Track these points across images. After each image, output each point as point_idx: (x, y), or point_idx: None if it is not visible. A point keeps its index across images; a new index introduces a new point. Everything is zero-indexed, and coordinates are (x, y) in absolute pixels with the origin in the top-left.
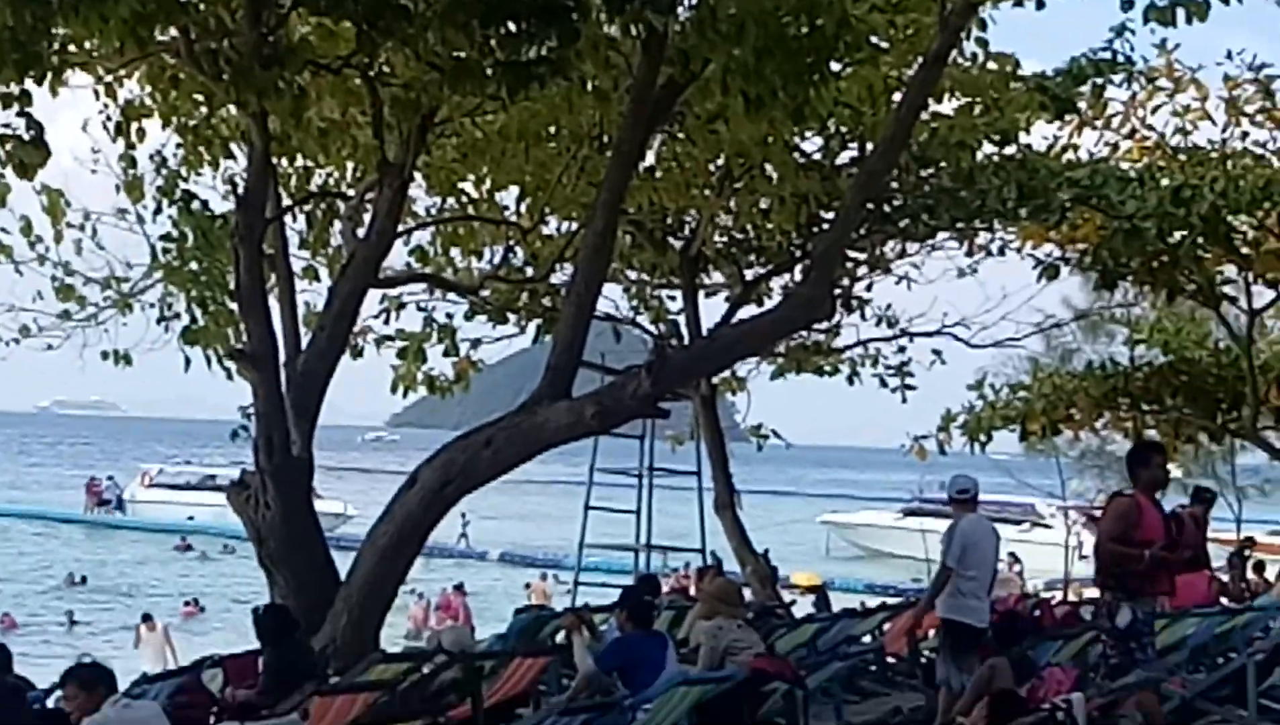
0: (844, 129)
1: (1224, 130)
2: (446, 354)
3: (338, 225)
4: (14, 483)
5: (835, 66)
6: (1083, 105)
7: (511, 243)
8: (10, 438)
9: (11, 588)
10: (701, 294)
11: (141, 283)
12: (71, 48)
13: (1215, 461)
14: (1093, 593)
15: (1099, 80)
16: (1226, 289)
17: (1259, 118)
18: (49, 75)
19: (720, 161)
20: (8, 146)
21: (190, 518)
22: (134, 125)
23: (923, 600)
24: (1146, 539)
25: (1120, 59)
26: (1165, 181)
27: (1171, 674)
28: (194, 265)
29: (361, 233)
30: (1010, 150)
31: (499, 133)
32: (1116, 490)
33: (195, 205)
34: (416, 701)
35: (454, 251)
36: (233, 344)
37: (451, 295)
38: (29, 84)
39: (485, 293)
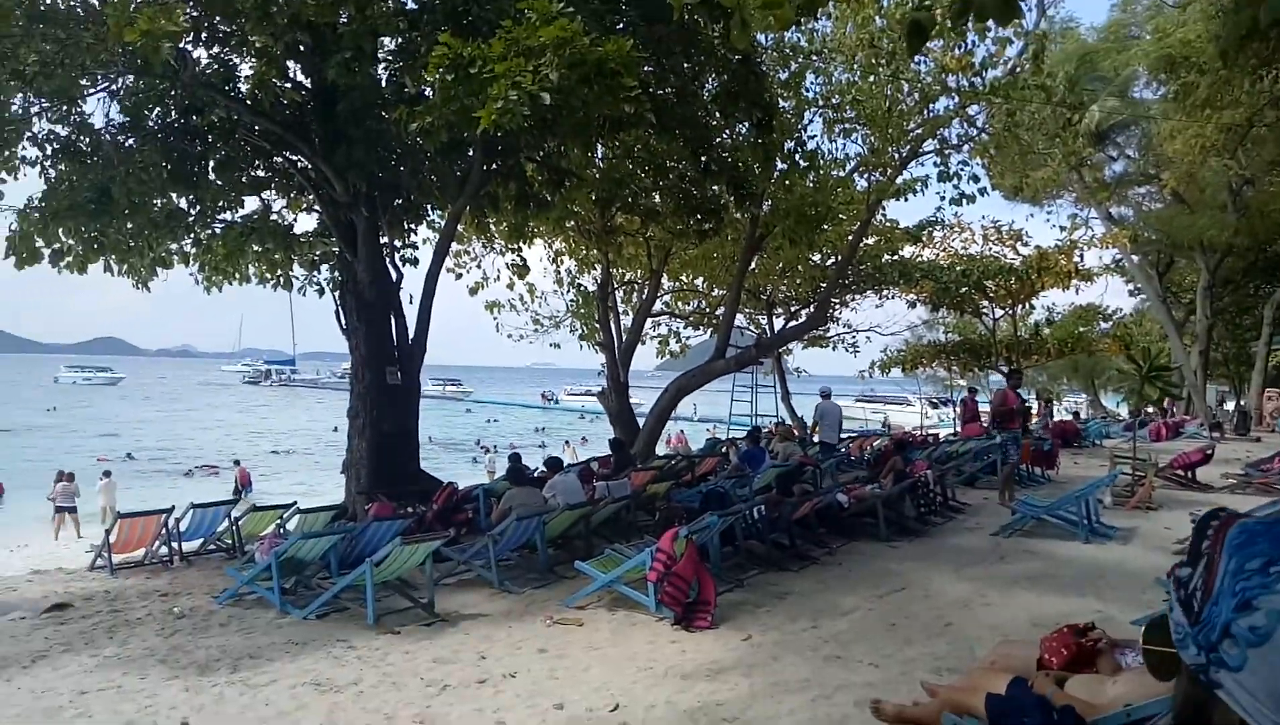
0: (827, 249)
1: (981, 247)
2: (675, 342)
3: (634, 296)
4: (510, 394)
5: (825, 226)
6: (924, 239)
7: (701, 300)
8: (511, 378)
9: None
10: (773, 317)
11: (560, 318)
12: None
13: (983, 378)
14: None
15: (930, 229)
16: (984, 307)
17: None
18: (528, 242)
19: (780, 266)
20: (516, 267)
21: (583, 406)
22: (559, 258)
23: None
24: (1010, 405)
25: (938, 220)
26: (959, 267)
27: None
28: (582, 311)
29: (644, 297)
30: (894, 257)
31: (696, 256)
32: (971, 391)
33: (581, 287)
34: (670, 473)
35: (679, 303)
36: (597, 339)
37: (678, 320)
38: (524, 247)
39: (690, 317)
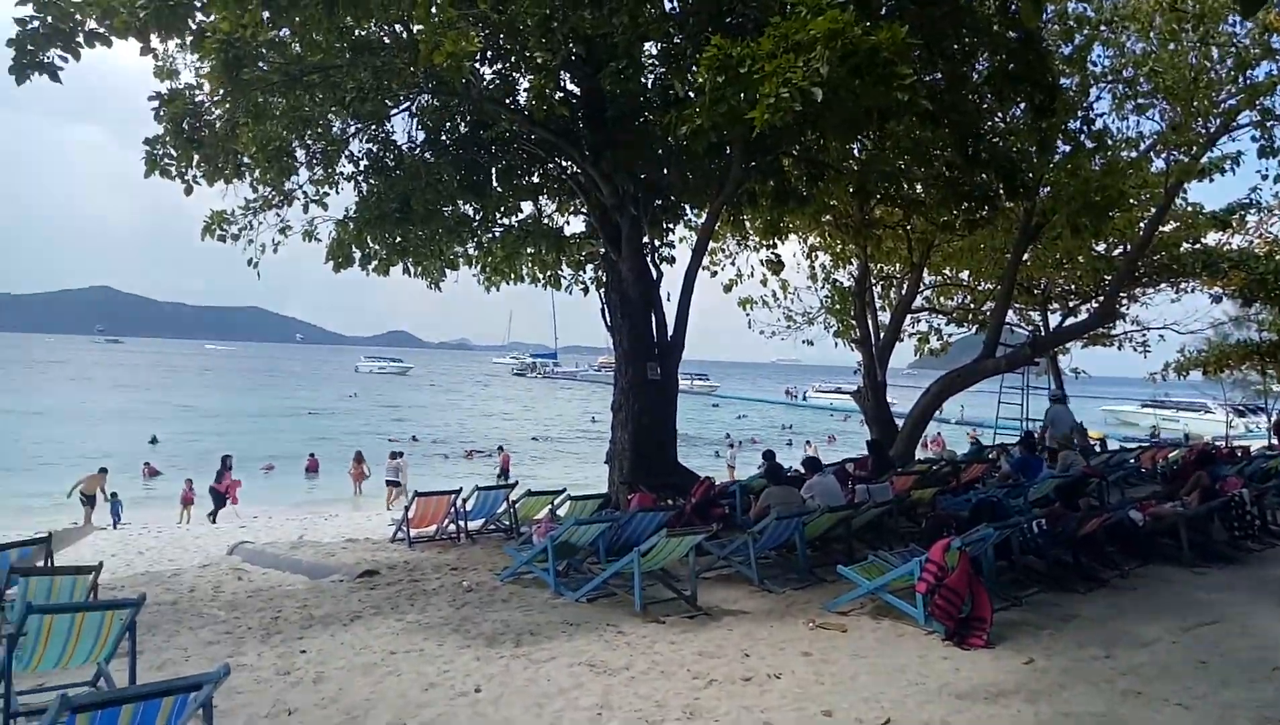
0: (1113, 239)
1: None
2: (935, 339)
3: (892, 291)
4: (755, 390)
5: (1113, 213)
6: (1234, 224)
7: (965, 294)
8: (755, 373)
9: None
10: (1048, 313)
11: (813, 314)
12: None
13: None
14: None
15: (1242, 212)
16: None
17: None
18: (783, 238)
19: (1057, 256)
20: (771, 264)
21: (831, 403)
22: (813, 252)
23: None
24: None
25: (1253, 202)
26: (1278, 256)
27: None
28: (837, 307)
29: (903, 292)
30: (1196, 245)
31: (962, 248)
32: None
33: (837, 282)
34: (933, 478)
35: (941, 297)
36: (853, 336)
37: (939, 316)
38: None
39: (953, 313)
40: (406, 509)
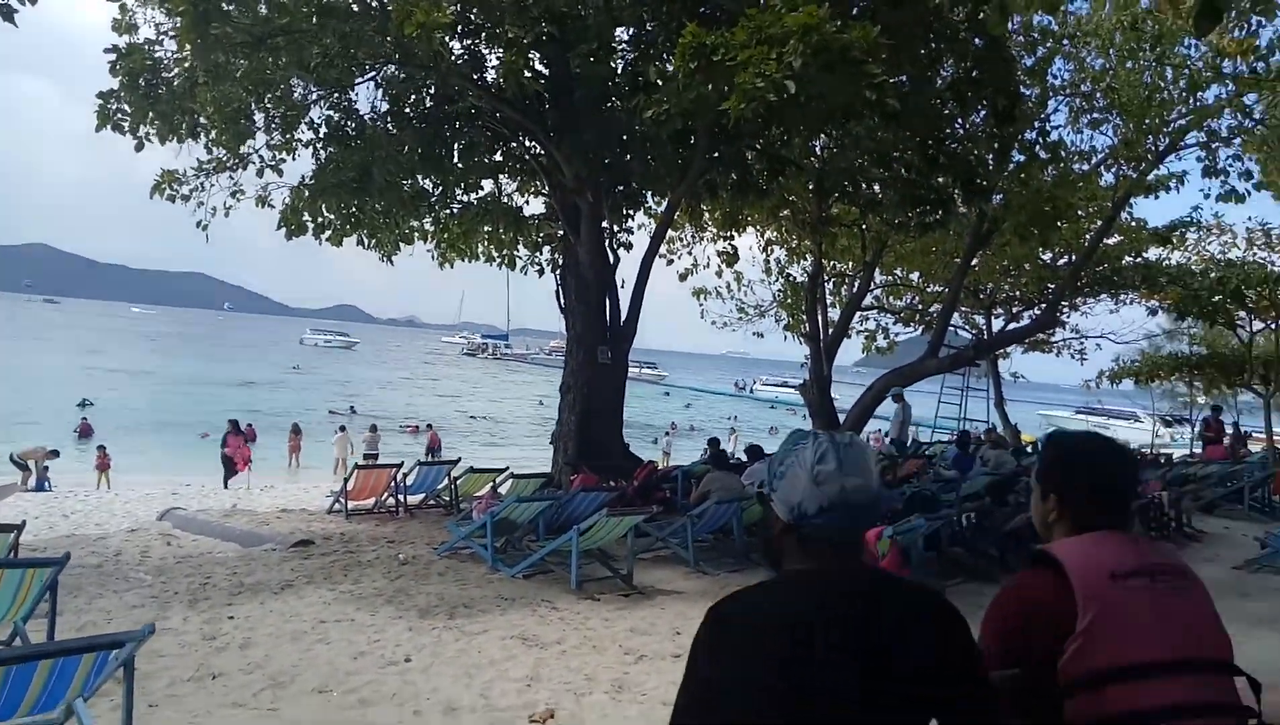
0: (1060, 248)
1: (1244, 252)
2: (883, 338)
3: (844, 288)
4: (704, 381)
5: (1062, 223)
6: (1174, 241)
7: (915, 295)
8: (705, 365)
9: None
10: (992, 317)
11: (766, 307)
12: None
13: (1229, 397)
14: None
15: (1183, 230)
16: (1240, 319)
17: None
18: (740, 230)
19: (1005, 263)
20: (726, 256)
21: (776, 396)
22: (770, 246)
23: None
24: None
25: (1194, 220)
26: (1214, 274)
27: None
28: (789, 301)
29: (854, 290)
30: (1138, 259)
31: (914, 250)
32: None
33: (790, 277)
34: None
35: (891, 297)
36: (802, 330)
37: (888, 315)
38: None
39: (901, 312)
40: (345, 481)
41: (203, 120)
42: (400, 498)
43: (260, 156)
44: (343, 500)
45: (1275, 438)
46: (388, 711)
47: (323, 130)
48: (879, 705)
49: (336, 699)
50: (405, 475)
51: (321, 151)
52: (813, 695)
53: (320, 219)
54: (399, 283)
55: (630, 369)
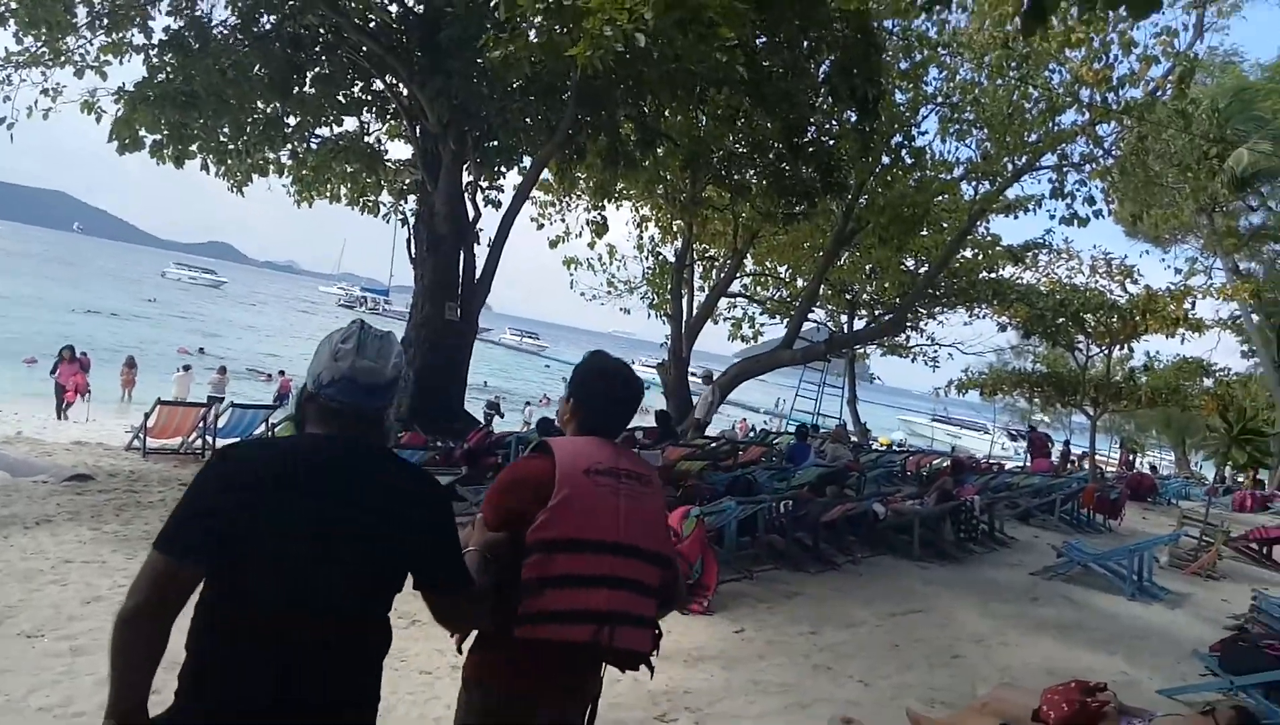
0: (920, 256)
1: (1087, 278)
2: (749, 327)
3: (713, 273)
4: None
5: (924, 231)
6: (1026, 261)
7: (782, 288)
8: (591, 341)
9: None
10: (854, 318)
11: (635, 284)
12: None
13: (1064, 416)
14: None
15: (1034, 251)
16: (1079, 342)
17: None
18: (614, 202)
19: (869, 266)
20: (596, 226)
21: (654, 377)
22: (643, 223)
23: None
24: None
25: (1045, 243)
26: (1059, 296)
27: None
28: (656, 279)
29: (723, 275)
30: (991, 275)
31: (784, 243)
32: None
33: (660, 256)
34: (709, 454)
35: (758, 287)
36: (666, 311)
37: (755, 305)
38: (609, 207)
39: (767, 304)
40: (146, 416)
41: (13, 3)
42: (209, 439)
43: (82, 55)
44: (142, 437)
45: (1098, 457)
46: (99, 661)
47: (158, 36)
48: (342, 537)
49: (45, 644)
50: (218, 416)
51: (155, 59)
52: (286, 526)
53: (158, 135)
54: (280, 226)
55: (510, 337)
